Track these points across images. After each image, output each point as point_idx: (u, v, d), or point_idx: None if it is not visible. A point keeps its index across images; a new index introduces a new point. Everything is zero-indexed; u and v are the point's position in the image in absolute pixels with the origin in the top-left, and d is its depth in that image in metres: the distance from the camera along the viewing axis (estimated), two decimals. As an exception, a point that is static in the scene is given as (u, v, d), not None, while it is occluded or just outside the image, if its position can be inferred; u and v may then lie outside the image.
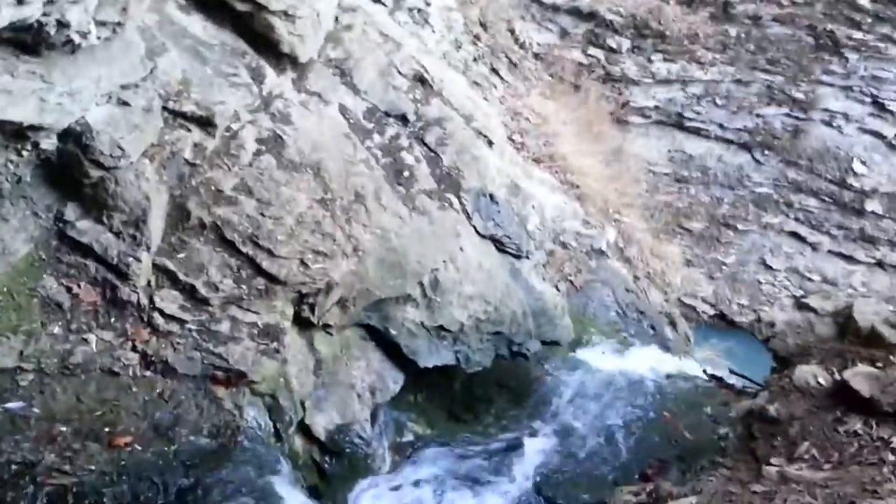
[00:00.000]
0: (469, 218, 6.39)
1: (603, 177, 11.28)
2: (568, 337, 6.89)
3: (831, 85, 14.16)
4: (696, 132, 15.10)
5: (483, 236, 6.44)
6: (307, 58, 6.23)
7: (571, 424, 6.65)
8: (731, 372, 8.17)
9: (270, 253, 4.96)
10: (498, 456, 5.95)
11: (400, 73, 6.88)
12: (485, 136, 7.01)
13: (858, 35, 13.88)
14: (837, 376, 4.96)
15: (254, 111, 5.66)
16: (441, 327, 5.90)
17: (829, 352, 5.46)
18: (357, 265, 5.47)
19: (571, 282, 8.89)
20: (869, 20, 13.75)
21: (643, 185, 14.41)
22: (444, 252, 6.05)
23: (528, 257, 6.68)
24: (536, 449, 6.21)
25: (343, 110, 6.34)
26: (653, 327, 9.70)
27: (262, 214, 5.10)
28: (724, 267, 15.76)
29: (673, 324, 10.87)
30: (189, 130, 5.22)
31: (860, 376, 4.82)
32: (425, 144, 6.62)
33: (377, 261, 5.61)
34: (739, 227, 15.47)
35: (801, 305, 5.85)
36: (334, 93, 6.39)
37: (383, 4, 8.81)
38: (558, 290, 7.40)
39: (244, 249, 4.92)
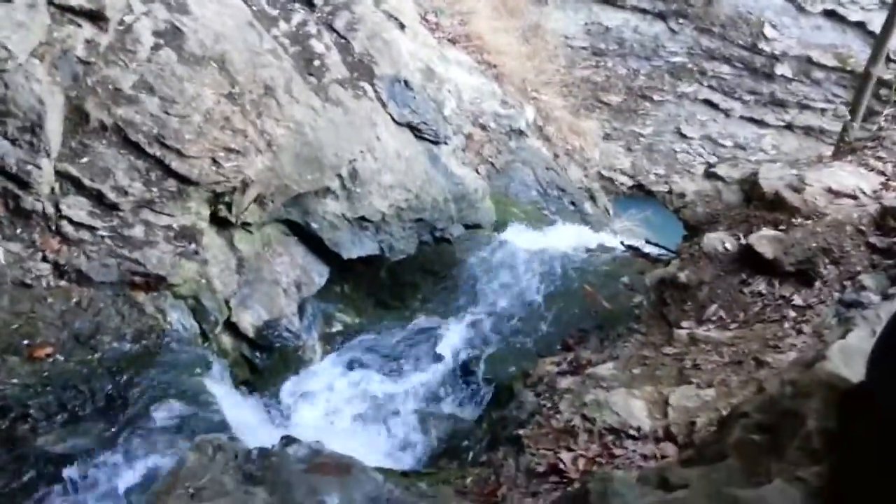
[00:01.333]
0: (384, 106, 6.29)
1: (520, 55, 11.15)
2: (490, 219, 7.00)
3: (743, -51, 14.15)
4: (612, 3, 15.01)
5: (400, 124, 6.36)
6: (200, -60, 5.82)
7: (496, 303, 6.88)
8: (647, 242, 8.48)
9: (179, 153, 4.80)
10: (425, 338, 6.14)
11: (302, -47, 6.53)
12: (396, 19, 6.79)
13: None
14: (743, 241, 5.23)
15: (148, 1, 5.31)
16: (363, 218, 5.91)
17: (735, 218, 5.73)
18: (272, 161, 5.36)
19: (492, 163, 8.96)
20: None
21: (561, 60, 14.33)
22: (360, 142, 5.97)
23: (446, 143, 6.65)
24: (462, 329, 6.42)
25: (244, -3, 6.02)
26: (573, 203, 9.94)
27: (167, 113, 4.89)
28: (641, 138, 16.10)
29: (593, 198, 11.15)
30: (79, 26, 4.89)
31: (764, 239, 5.09)
32: (334, 30, 6.39)
33: (293, 155, 5.50)
34: (655, 97, 15.72)
35: (709, 174, 6.06)
36: (233, -23, 6.03)
37: None
38: (478, 173, 7.45)
39: (151, 151, 4.74)
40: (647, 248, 8.46)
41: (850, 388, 1.23)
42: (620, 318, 6.39)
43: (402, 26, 6.85)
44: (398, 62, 6.51)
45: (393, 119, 6.32)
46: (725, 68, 14.97)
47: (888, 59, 14.01)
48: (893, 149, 5.55)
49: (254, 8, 6.00)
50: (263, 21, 6.00)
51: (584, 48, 15.47)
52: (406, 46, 6.72)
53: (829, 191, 5.09)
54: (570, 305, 7.10)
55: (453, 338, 6.38)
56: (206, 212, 5.06)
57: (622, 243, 8.61)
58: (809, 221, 4.98)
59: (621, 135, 16.16)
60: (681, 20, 14.76)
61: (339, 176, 5.79)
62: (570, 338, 6.53)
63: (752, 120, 15.29)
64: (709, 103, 15.45)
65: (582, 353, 5.79)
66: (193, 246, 4.90)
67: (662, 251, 8.24)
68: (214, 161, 5.00)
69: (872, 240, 4.68)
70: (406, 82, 6.45)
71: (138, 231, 4.65)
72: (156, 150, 4.75)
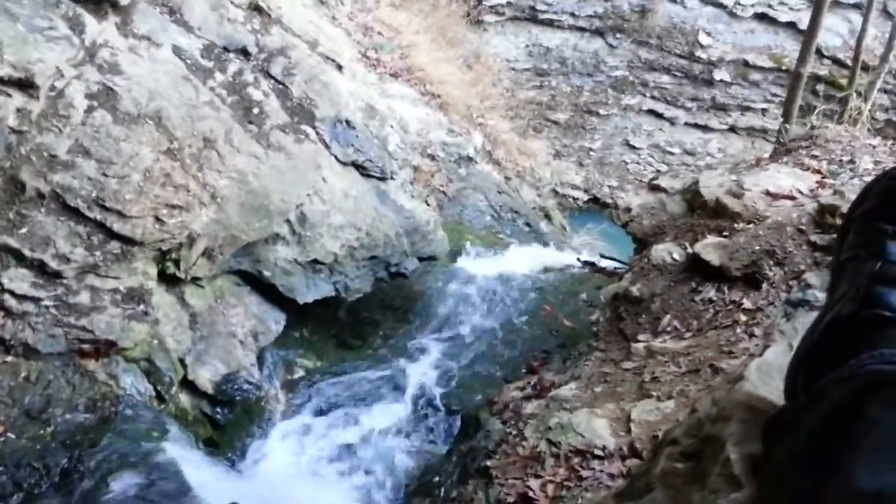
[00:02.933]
0: (328, 147, 6.29)
1: (463, 82, 11.28)
2: (444, 250, 7.02)
3: (671, -38, 14.53)
4: (551, 24, 15.27)
5: (345, 164, 6.37)
6: (128, -1, 5.82)
7: (458, 332, 6.89)
8: (602, 256, 8.59)
9: (120, 214, 4.75)
10: (390, 375, 6.11)
11: (233, 3, 6.55)
12: (333, 61, 6.83)
13: None
14: (690, 250, 5.32)
15: (78, 65, 5.28)
16: (315, 261, 5.89)
17: (681, 228, 5.82)
18: (217, 213, 5.32)
19: (444, 192, 9.02)
20: None
21: (505, 83, 14.53)
22: (306, 186, 5.97)
23: (392, 178, 6.68)
24: (426, 361, 6.41)
25: (178, 51, 6.01)
26: (528, 224, 10.02)
27: (105, 175, 4.84)
28: (591, 153, 16.34)
29: (548, 217, 11.27)
30: (9, 95, 4.84)
31: (710, 247, 5.18)
32: (272, 77, 6.40)
33: (238, 205, 5.48)
34: (601, 112, 15.99)
35: (652, 187, 6.16)
36: (165, 33, 6.02)
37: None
38: (428, 204, 7.49)
39: (91, 214, 4.68)
40: (603, 263, 8.57)
41: (769, 410, 1.24)
42: (581, 335, 6.44)
43: (339, 67, 6.88)
44: (338, 103, 6.54)
45: (337, 159, 6.33)
46: (666, 78, 15.29)
47: (821, 55, 14.48)
48: (827, 146, 5.70)
49: (188, 62, 5.99)
50: (199, 74, 5.99)
51: (527, 69, 15.71)
52: (345, 87, 6.75)
53: (768, 193, 5.21)
54: (532, 327, 7.14)
55: (417, 371, 6.36)
56: (153, 271, 5.00)
57: (578, 260, 8.70)
58: (751, 225, 5.08)
59: (572, 151, 16.38)
60: (618, 35, 15.07)
61: (288, 221, 5.77)
62: (533, 360, 6.56)
63: (696, 126, 15.62)
64: (653, 113, 15.75)
65: (545, 374, 5.82)
66: (142, 307, 4.84)
67: (618, 264, 8.35)
68: (157, 219, 4.96)
69: (813, 238, 4.79)
70: (348, 122, 6.48)
71: (84, 297, 4.58)
72: (96, 214, 4.70)
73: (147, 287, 4.92)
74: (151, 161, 5.11)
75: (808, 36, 7.36)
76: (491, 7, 14.65)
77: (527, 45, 15.59)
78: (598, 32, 15.31)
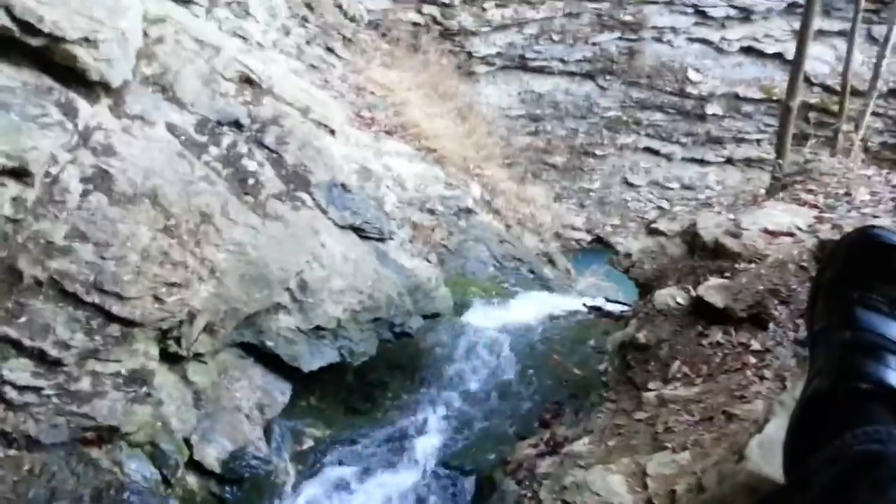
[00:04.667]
0: (324, 212, 6.32)
1: (458, 134, 11.39)
2: (448, 305, 6.98)
3: (654, 2, 14.78)
4: (541, 70, 15.47)
5: (342, 227, 6.39)
6: (120, 81, 5.90)
7: (467, 388, 6.80)
8: (608, 300, 8.52)
9: (119, 296, 4.74)
10: (401, 438, 6.01)
11: (224, 77, 6.65)
12: (325, 126, 6.90)
13: (670, -49, 14.48)
14: (693, 293, 5.26)
15: (72, 150, 5.33)
16: (318, 327, 5.85)
17: (682, 271, 5.78)
18: (217, 287, 5.32)
19: (445, 246, 9.01)
20: (678, -66, 14.28)
21: (501, 132, 14.68)
22: (305, 252, 5.97)
23: (391, 238, 6.68)
24: (437, 421, 6.32)
25: (171, 128, 6.08)
26: (532, 271, 9.98)
27: (103, 258, 4.85)
28: (591, 193, 16.40)
29: (552, 262, 11.24)
30: (4, 185, 4.88)
31: (712, 289, 5.13)
32: (265, 147, 6.46)
33: (238, 277, 5.47)
34: (598, 152, 16.09)
35: (651, 231, 6.14)
36: (158, 112, 6.10)
37: (198, 4, 8.47)
38: (429, 261, 7.47)
39: (89, 299, 4.68)
40: (609, 306, 8.50)
41: (769, 491, 1.20)
42: (591, 383, 6.34)
43: (332, 132, 6.95)
44: (333, 167, 6.59)
45: (335, 224, 6.35)
46: (659, 115, 15.41)
47: (810, 84, 14.59)
48: (822, 180, 5.69)
49: (182, 138, 6.05)
50: (193, 149, 6.04)
51: (521, 116, 15.87)
52: (339, 150, 6.81)
53: (767, 231, 5.17)
54: (542, 377, 7.05)
55: (429, 432, 6.26)
56: (154, 350, 4.97)
57: (584, 305, 8.63)
58: (753, 265, 5.03)
59: (572, 193, 16.45)
60: (608, 77, 15.25)
61: (288, 289, 5.76)
62: (545, 412, 6.46)
63: (693, 160, 15.68)
64: (649, 150, 15.84)
65: (558, 429, 5.72)
66: (145, 389, 4.79)
67: (624, 307, 8.28)
68: (157, 298, 4.95)
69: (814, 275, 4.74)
70: (343, 185, 6.51)
71: (85, 383, 4.54)
72: (94, 298, 4.69)
73: (149, 368, 4.89)
74: (148, 240, 5.12)
75: (794, 69, 7.41)
76: (481, 58, 14.87)
77: (519, 93, 15.77)
78: (589, 76, 15.50)
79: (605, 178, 16.34)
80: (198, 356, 5.26)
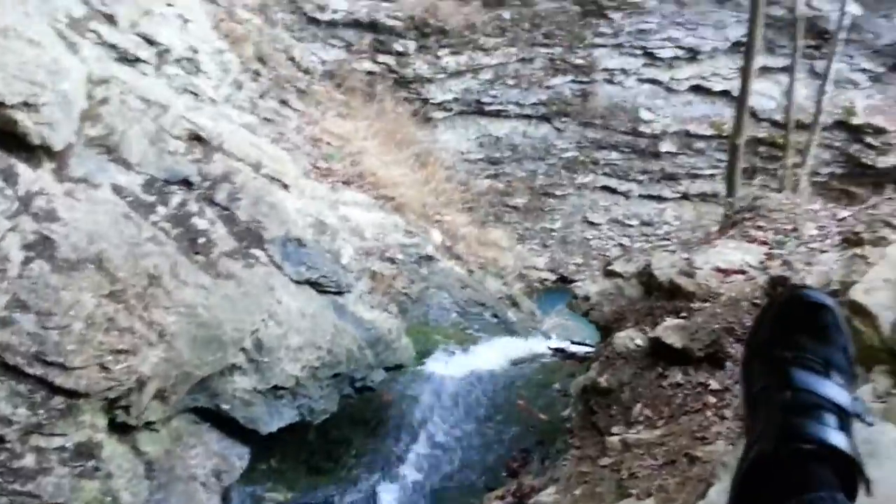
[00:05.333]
0: (280, 268, 6.22)
1: (417, 181, 11.41)
2: (410, 356, 6.89)
3: (604, 46, 15.08)
4: (498, 114, 15.65)
5: (299, 283, 6.29)
6: (63, 144, 5.80)
7: (433, 440, 6.68)
8: (572, 342, 8.49)
9: (63, 367, 4.58)
10: (366, 497, 5.86)
11: (172, 136, 6.57)
12: (278, 181, 6.84)
13: (617, -5, 14.84)
14: (651, 334, 5.25)
15: (12, 216, 5.20)
16: (276, 387, 5.72)
17: (640, 312, 5.78)
18: (167, 351, 5.17)
19: (406, 294, 8.94)
20: (624, -20, 14.66)
21: (460, 176, 14.75)
22: (260, 310, 5.85)
23: (349, 291, 6.60)
24: (403, 476, 6.18)
25: (117, 190, 5.97)
26: (495, 315, 9.94)
27: (45, 327, 4.70)
28: (553, 233, 16.50)
29: (516, 304, 11.20)
30: (-58, 256, 4.74)
31: (670, 330, 5.13)
32: (217, 204, 6.37)
33: (189, 340, 5.33)
34: (558, 193, 16.23)
35: (608, 273, 6.15)
36: (103, 174, 6.00)
37: (145, 62, 8.42)
38: (390, 312, 7.38)
39: (31, 371, 4.51)
40: (574, 348, 8.46)
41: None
42: (558, 428, 6.27)
43: (285, 186, 6.89)
44: (287, 222, 6.51)
45: (291, 279, 6.25)
46: (615, 154, 15.63)
47: (758, 119, 14.95)
48: (770, 216, 5.76)
49: (128, 199, 5.95)
50: (140, 210, 5.94)
51: (480, 160, 15.98)
52: (293, 205, 6.74)
53: (719, 270, 5.21)
54: (508, 424, 6.95)
55: (395, 489, 6.12)
56: (101, 422, 4.80)
57: (549, 348, 8.59)
58: (707, 304, 5.05)
59: (534, 233, 16.53)
60: (563, 119, 15.46)
61: (243, 349, 5.63)
62: (512, 461, 6.36)
63: (650, 197, 15.89)
64: (608, 189, 16.03)
65: (525, 478, 5.62)
66: (92, 462, 4.61)
67: (589, 348, 8.25)
68: (103, 367, 4.79)
69: (769, 311, 4.76)
70: (298, 240, 6.43)
71: (29, 460, 4.35)
72: (37, 370, 4.53)
73: (96, 440, 4.71)
74: (93, 307, 4.98)
75: (738, 108, 7.57)
76: (438, 104, 14.99)
77: (477, 137, 15.91)
78: (545, 118, 15.70)
79: (567, 217, 16.47)
80: (149, 425, 5.09)
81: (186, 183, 6.38)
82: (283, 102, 10.77)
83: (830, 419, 0.96)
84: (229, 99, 9.62)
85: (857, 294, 4.07)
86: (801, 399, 1.00)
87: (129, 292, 5.20)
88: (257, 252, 6.25)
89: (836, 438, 0.95)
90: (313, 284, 6.42)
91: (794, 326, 1.07)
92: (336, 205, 8.36)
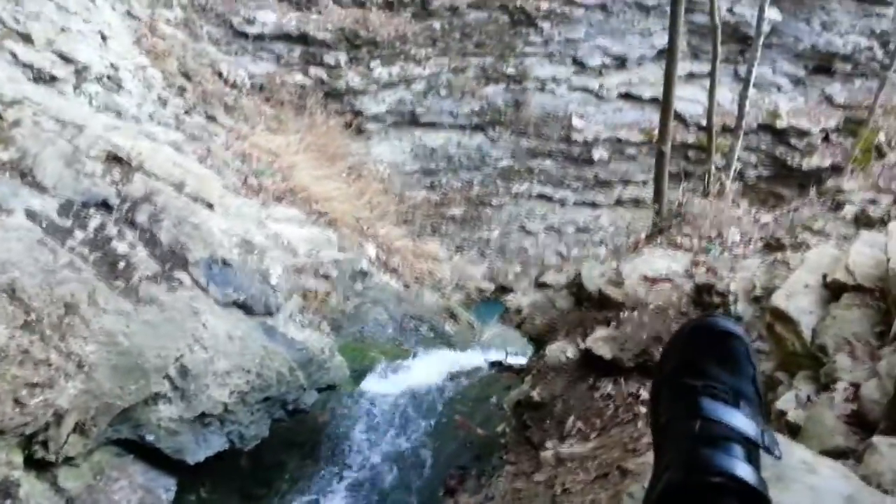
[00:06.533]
0: (205, 291, 6.05)
1: (350, 195, 11.29)
2: (343, 375, 6.77)
3: (535, 55, 15.21)
4: (432, 125, 15.62)
5: (225, 305, 6.12)
6: (-30, 169, 5.54)
7: (369, 460, 6.58)
8: (508, 353, 8.50)
9: (-28, 406, 4.34)
10: (301, 522, 5.73)
11: (90, 157, 6.35)
12: (202, 200, 6.66)
13: (545, 5, 14.98)
14: (582, 346, 5.27)
15: (-84, 247, 4.93)
16: (203, 414, 5.54)
17: (571, 323, 5.80)
18: (86, 382, 4.96)
19: (341, 312, 8.81)
20: (551, -10, 14.80)
21: (396, 187, 14.68)
22: (185, 336, 5.67)
23: (278, 311, 6.46)
24: (339, 500, 6.06)
25: (31, 215, 5.72)
26: (433, 329, 9.89)
27: (-48, 364, 4.45)
28: (491, 242, 16.55)
29: (454, 316, 11.17)
30: None
31: (600, 341, 5.15)
32: (137, 226, 6.17)
33: (110, 369, 5.13)
34: (494, 202, 16.29)
35: (539, 284, 6.17)
36: (16, 199, 5.75)
37: (64, 82, 8.12)
38: (322, 330, 7.26)
39: (-63, 412, 4.26)
40: (511, 360, 8.47)
41: None
42: (496, 443, 6.24)
43: (210, 205, 6.71)
44: (212, 243, 6.34)
45: (217, 302, 6.08)
46: (549, 162, 15.78)
47: (686, 125, 15.31)
48: (695, 222, 5.87)
49: (43, 224, 5.70)
50: (56, 235, 5.70)
51: (415, 171, 15.93)
52: (218, 224, 6.57)
53: (646, 278, 5.27)
54: (446, 441, 6.90)
55: (331, 512, 6.00)
56: (18, 458, 4.57)
57: (486, 361, 8.58)
58: (636, 313, 5.09)
59: (472, 243, 16.55)
60: (497, 128, 15.54)
61: (168, 377, 5.44)
62: (450, 479, 6.29)
63: (585, 203, 16.08)
64: (543, 197, 16.16)
65: (461, 497, 5.57)
66: (9, 502, 4.38)
67: (526, 359, 8.26)
68: (17, 402, 4.56)
69: (695, 319, 4.83)
70: (224, 261, 6.27)
71: (-66, 507, 4.10)
72: (-58, 410, 4.28)
73: (13, 478, 4.47)
74: (6, 339, 4.74)
75: (663, 115, 7.70)
76: (372, 116, 14.89)
77: (412, 148, 15.85)
78: (479, 128, 15.75)
79: (504, 226, 16.54)
80: (69, 459, 4.86)
81: (105, 205, 6.16)
82: (211, 118, 10.54)
83: (738, 451, 0.96)
84: (153, 116, 9.36)
85: (778, 300, 4.16)
86: (709, 430, 0.99)
87: (45, 322, 4.97)
88: (181, 275, 6.06)
89: (744, 471, 0.94)
90: (241, 306, 6.26)
91: (703, 355, 1.06)
92: (266, 222, 8.18)
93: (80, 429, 4.90)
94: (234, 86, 11.58)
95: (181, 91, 10.27)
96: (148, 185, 6.46)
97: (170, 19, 10.89)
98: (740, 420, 1.00)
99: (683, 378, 1.06)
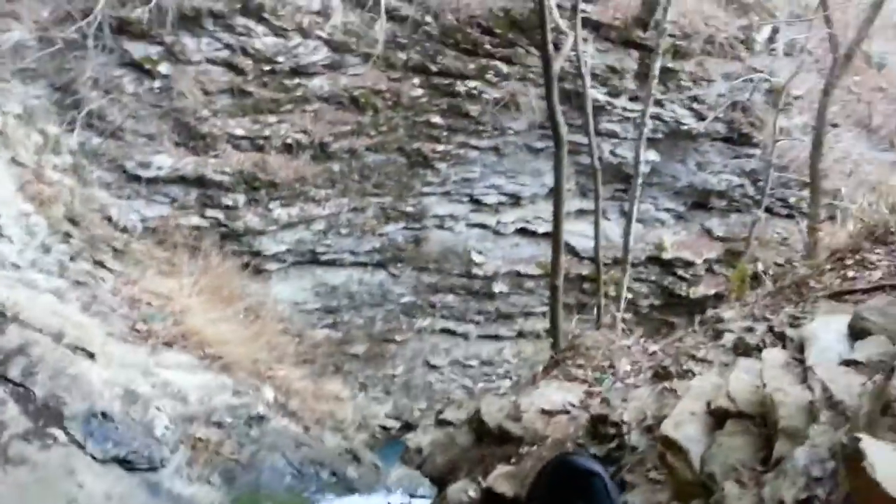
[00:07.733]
0: (82, 447, 5.65)
1: (246, 337, 10.99)
2: (235, 532, 6.32)
3: (433, 194, 15.68)
4: (333, 263, 15.62)
5: (104, 461, 5.72)
6: None
7: None
8: (412, 496, 8.21)
9: None
10: None
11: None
12: (83, 350, 6.33)
13: (440, 147, 15.61)
14: (483, 484, 5.14)
15: None
16: (73, 588, 5.00)
17: (472, 460, 5.68)
18: (-65, 561, 4.42)
19: (236, 460, 8.34)
20: (445, 133, 15.47)
21: (297, 326, 14.41)
22: (58, 498, 5.22)
23: (163, 465, 6.05)
24: None
25: None
26: (334, 473, 9.48)
27: None
28: (395, 379, 16.32)
29: (357, 458, 10.78)
30: None
31: (500, 478, 5.04)
32: (9, 381, 5.78)
33: (-34, 543, 4.60)
34: (398, 338, 16.19)
35: (439, 422, 6.06)
36: None
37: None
38: (212, 483, 6.82)
39: None
40: (416, 502, 8.18)
41: None
42: None
43: (91, 355, 6.38)
44: (91, 395, 5.98)
45: (94, 458, 5.67)
46: (451, 297, 15.96)
47: (579, 258, 15.95)
48: (588, 354, 5.97)
49: None
50: (-88, 394, 5.24)
51: (316, 309, 15.74)
52: (99, 375, 6.23)
53: (544, 412, 5.26)
54: None
55: None
56: None
57: (390, 505, 8.25)
58: (535, 447, 5.05)
59: (376, 381, 16.28)
60: (398, 265, 15.70)
61: (34, 548, 4.92)
62: None
63: (488, 337, 16.23)
64: (447, 331, 16.22)
65: None
66: None
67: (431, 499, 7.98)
68: None
69: (592, 450, 4.82)
70: (104, 414, 5.90)
71: None
72: None
73: None
74: None
75: (554, 252, 8.00)
76: (271, 256, 14.78)
77: (313, 286, 15.74)
78: (380, 265, 15.87)
79: (408, 362, 16.40)
80: None
81: (-28, 361, 5.76)
82: (98, 263, 10.20)
83: None
84: (35, 263, 8.98)
85: (667, 429, 4.20)
86: None
87: None
88: (55, 431, 5.65)
89: None
90: (121, 462, 5.85)
91: (565, 490, 1.17)
92: (154, 369, 7.81)
93: None
94: (124, 230, 11.33)
95: (67, 237, 9.95)
96: (23, 336, 6.11)
97: (57, 165, 10.69)
98: None
99: None
